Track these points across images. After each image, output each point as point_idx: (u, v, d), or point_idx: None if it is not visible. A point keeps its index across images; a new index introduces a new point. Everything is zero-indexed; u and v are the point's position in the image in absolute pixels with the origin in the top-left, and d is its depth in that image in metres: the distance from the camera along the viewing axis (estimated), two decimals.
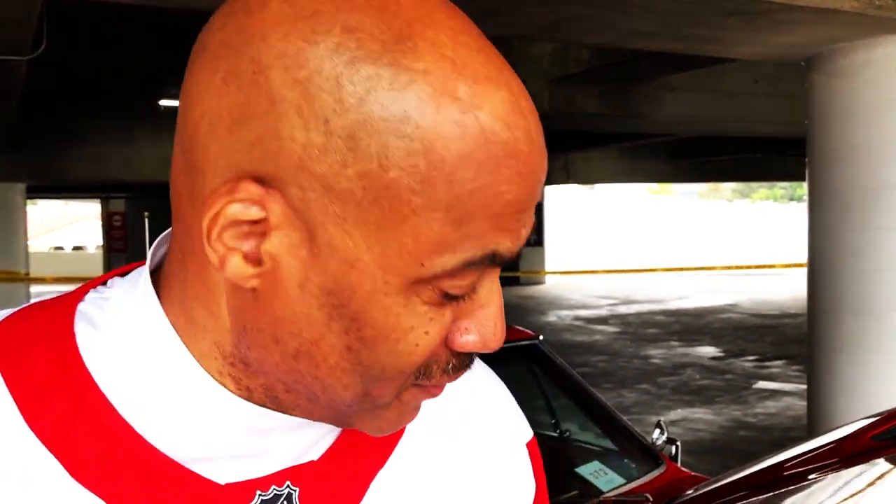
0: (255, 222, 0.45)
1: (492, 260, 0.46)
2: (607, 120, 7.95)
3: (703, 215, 34.96)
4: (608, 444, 3.15)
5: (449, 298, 0.47)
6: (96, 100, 11.67)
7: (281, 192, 0.45)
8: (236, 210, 0.45)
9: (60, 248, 36.54)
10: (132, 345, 0.52)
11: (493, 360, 0.75)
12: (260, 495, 0.54)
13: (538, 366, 3.23)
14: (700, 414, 7.20)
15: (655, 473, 2.86)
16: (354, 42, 0.43)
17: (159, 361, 0.52)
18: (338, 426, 0.55)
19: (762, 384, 8.39)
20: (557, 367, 3.24)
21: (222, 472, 0.53)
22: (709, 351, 10.42)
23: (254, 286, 0.47)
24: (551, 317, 14.12)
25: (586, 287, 18.98)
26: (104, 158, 12.10)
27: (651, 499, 2.44)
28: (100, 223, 25.74)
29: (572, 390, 3.26)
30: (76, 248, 35.47)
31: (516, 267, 19.44)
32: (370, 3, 0.44)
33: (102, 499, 0.50)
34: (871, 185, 4.31)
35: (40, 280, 13.14)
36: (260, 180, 0.45)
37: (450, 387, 0.57)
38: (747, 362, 9.58)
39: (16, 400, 0.51)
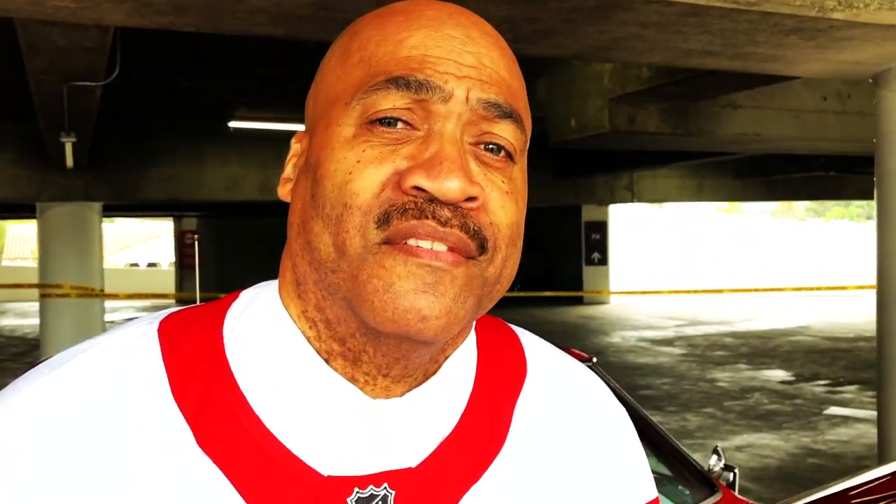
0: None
1: (394, 83, 0.56)
2: (669, 138, 7.85)
3: (775, 235, 34.11)
4: (663, 469, 3.09)
5: (382, 126, 0.56)
6: (167, 121, 12.07)
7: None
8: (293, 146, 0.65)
9: (136, 265, 37.66)
10: (260, 334, 0.61)
11: None
12: (357, 492, 0.57)
13: None
14: (767, 440, 6.99)
15: (710, 501, 2.79)
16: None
17: (279, 347, 0.60)
18: (380, 323, 0.55)
19: (834, 410, 8.11)
20: (611, 390, 3.20)
21: (327, 464, 0.57)
22: (778, 375, 10.14)
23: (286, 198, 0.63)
24: (615, 338, 13.92)
25: (652, 308, 18.68)
26: (175, 178, 12.47)
27: None
28: (173, 241, 26.49)
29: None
30: (150, 265, 36.49)
31: (580, 286, 19.24)
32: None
33: (221, 469, 0.57)
34: None
35: (114, 296, 13.59)
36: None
37: (575, 421, 0.66)
38: (818, 387, 9.28)
39: (168, 372, 0.59)
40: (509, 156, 0.59)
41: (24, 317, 18.35)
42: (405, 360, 0.59)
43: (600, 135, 7.34)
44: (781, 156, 13.94)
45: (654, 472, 2.48)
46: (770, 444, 6.84)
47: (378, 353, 0.58)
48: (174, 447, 0.57)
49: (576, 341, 12.66)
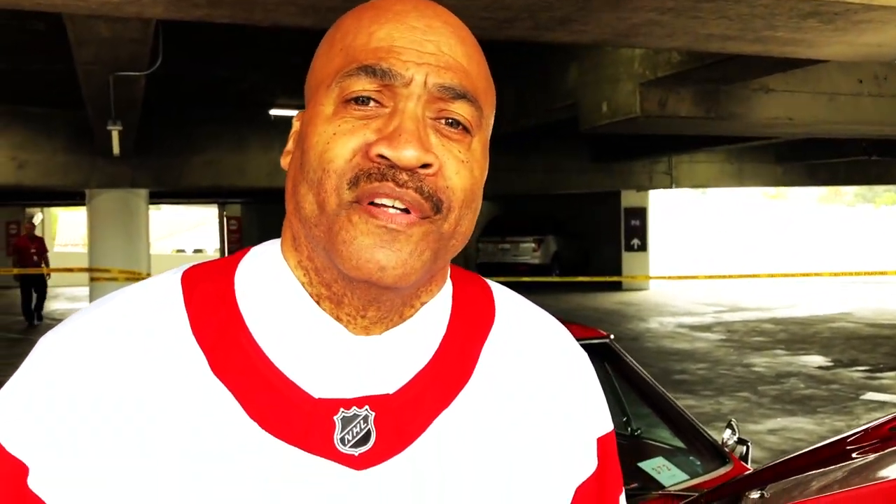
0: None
1: (364, 71, 0.67)
2: (701, 123, 7.80)
3: (822, 221, 33.40)
4: (677, 442, 3.17)
5: (356, 104, 0.67)
6: (209, 110, 12.31)
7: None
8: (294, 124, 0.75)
9: (182, 251, 38.33)
10: (265, 281, 0.73)
11: None
12: (342, 411, 0.69)
13: (609, 365, 3.28)
14: (801, 423, 6.98)
15: (721, 471, 2.86)
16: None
17: (279, 291, 0.72)
18: (347, 270, 0.67)
19: (871, 395, 8.03)
20: (628, 366, 3.28)
21: (318, 388, 0.69)
22: (816, 360, 10.05)
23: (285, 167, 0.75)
24: (653, 323, 13.88)
25: (692, 294, 18.52)
26: (217, 165, 12.73)
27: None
28: (217, 227, 26.92)
29: (643, 389, 3.29)
30: (196, 251, 37.09)
31: (619, 273, 19.15)
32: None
33: (231, 391, 0.69)
34: None
35: None
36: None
37: (537, 360, 0.77)
38: (857, 372, 9.19)
39: (188, 312, 0.72)
40: (466, 129, 0.69)
41: (74, 301, 18.89)
42: (377, 302, 0.70)
43: (631, 119, 7.32)
44: (823, 140, 13.69)
45: (668, 444, 2.56)
46: (804, 428, 6.83)
47: (355, 296, 0.69)
48: (192, 372, 0.69)
49: (612, 326, 12.65)
